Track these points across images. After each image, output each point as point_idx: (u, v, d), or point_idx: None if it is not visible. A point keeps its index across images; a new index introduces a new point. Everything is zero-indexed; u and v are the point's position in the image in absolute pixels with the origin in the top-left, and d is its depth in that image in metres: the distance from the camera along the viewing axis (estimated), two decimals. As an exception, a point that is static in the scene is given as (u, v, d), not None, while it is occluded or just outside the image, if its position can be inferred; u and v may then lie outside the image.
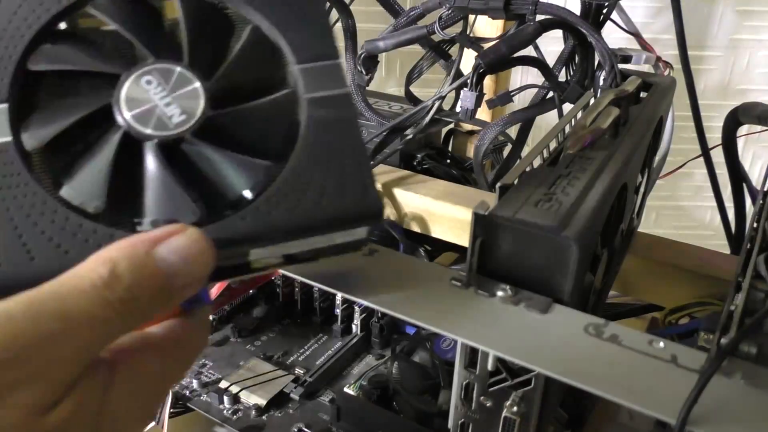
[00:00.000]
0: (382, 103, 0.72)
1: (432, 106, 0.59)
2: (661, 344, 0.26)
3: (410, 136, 0.61)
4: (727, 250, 0.65)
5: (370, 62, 0.62)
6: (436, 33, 0.56)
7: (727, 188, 0.65)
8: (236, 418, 0.48)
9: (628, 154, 0.40)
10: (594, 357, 0.26)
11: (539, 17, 0.54)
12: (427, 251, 0.67)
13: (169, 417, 0.48)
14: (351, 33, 0.64)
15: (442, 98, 0.58)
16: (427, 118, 0.59)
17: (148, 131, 0.24)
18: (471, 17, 0.60)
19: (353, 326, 0.57)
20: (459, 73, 0.61)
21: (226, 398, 0.49)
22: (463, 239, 0.60)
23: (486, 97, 0.55)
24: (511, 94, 0.58)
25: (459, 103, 0.56)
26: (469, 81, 0.54)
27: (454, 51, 0.63)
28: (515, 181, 0.34)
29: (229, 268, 0.25)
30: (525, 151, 0.53)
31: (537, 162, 0.38)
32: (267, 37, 0.27)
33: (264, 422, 0.48)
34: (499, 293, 0.29)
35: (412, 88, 0.65)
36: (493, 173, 0.67)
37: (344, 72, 0.27)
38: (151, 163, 0.24)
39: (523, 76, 1.17)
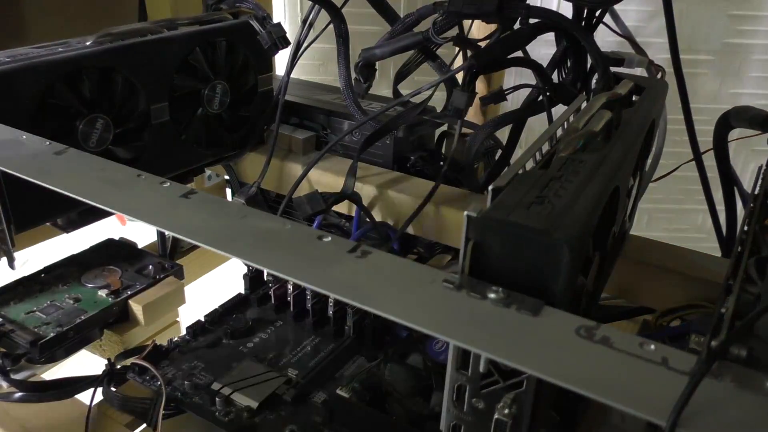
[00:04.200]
0: (375, 105, 0.72)
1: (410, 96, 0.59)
2: (652, 347, 0.26)
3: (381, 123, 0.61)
4: (718, 253, 0.65)
5: (368, 71, 0.62)
6: (432, 39, 0.57)
7: (719, 191, 0.65)
8: (228, 420, 0.48)
9: (620, 157, 0.40)
10: (585, 359, 0.26)
11: (532, 20, 0.54)
12: (420, 253, 0.67)
13: (162, 419, 0.47)
14: (343, 38, 0.64)
15: (419, 92, 0.58)
16: (407, 115, 0.59)
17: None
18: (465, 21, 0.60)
19: (346, 328, 0.57)
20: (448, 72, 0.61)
21: (218, 400, 0.48)
22: (455, 241, 0.60)
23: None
24: (505, 92, 0.58)
25: (450, 103, 0.57)
26: (461, 81, 0.55)
27: (441, 52, 0.63)
28: (508, 184, 0.34)
29: None
30: (517, 154, 0.54)
31: (529, 164, 0.38)
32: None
33: (256, 424, 0.47)
34: (491, 295, 0.29)
35: (401, 89, 0.65)
36: (485, 176, 0.67)
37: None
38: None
39: (516, 80, 1.18)
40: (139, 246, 0.70)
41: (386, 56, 0.59)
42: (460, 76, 0.58)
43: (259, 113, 0.71)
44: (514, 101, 0.64)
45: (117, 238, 0.70)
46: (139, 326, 0.60)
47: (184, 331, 0.57)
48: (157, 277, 0.63)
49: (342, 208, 0.64)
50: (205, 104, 0.65)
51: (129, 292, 0.60)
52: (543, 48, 0.64)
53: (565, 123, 0.44)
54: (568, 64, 0.58)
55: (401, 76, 0.63)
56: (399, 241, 0.62)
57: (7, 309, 0.57)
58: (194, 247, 0.82)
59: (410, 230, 0.63)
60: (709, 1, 1.21)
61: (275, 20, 0.65)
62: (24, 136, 0.43)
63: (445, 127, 0.75)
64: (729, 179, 0.64)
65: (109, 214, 0.57)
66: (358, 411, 0.47)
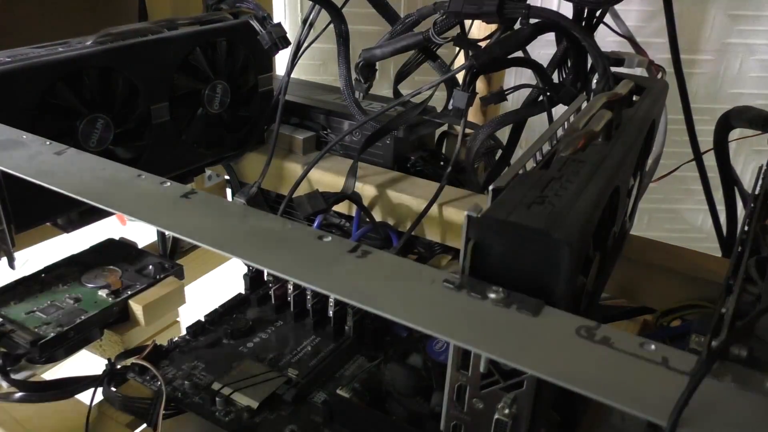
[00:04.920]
0: (375, 105, 0.72)
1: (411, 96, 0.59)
2: (653, 347, 0.26)
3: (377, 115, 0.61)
4: (718, 253, 0.65)
5: (368, 71, 0.62)
6: (432, 39, 0.57)
7: (719, 191, 0.65)
8: (228, 420, 0.48)
9: (621, 158, 0.40)
10: (585, 359, 0.26)
11: (532, 20, 0.54)
12: (420, 253, 0.67)
13: (162, 419, 0.47)
14: (343, 38, 0.64)
15: (419, 92, 0.58)
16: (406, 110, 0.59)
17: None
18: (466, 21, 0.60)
19: (346, 328, 0.57)
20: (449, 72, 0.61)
21: (218, 400, 0.48)
22: (455, 241, 0.60)
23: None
24: (506, 92, 0.58)
25: (450, 103, 0.57)
26: (461, 81, 0.55)
27: (442, 52, 0.63)
28: (508, 184, 0.34)
29: None
30: (518, 154, 0.54)
31: (530, 165, 0.38)
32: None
33: (256, 424, 0.47)
34: (492, 295, 0.29)
35: (402, 89, 0.65)
36: (485, 176, 0.67)
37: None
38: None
39: (516, 79, 1.18)
40: (139, 246, 0.70)
41: (387, 56, 0.59)
42: (460, 76, 0.58)
43: (259, 113, 0.71)
44: (514, 101, 0.64)
45: (117, 238, 0.70)
46: (139, 326, 0.60)
47: (184, 331, 0.57)
48: (158, 277, 0.63)
49: (342, 208, 0.64)
50: (205, 104, 0.65)
51: (129, 292, 0.60)
52: (543, 48, 0.64)
53: (566, 123, 0.44)
54: (569, 64, 0.58)
55: (401, 76, 0.63)
56: (399, 241, 0.62)
57: (7, 309, 0.57)
58: (194, 247, 0.82)
59: (410, 230, 0.63)
60: (709, 1, 1.21)
61: (275, 20, 0.65)
62: (24, 136, 0.43)
63: (445, 127, 0.75)
64: (729, 179, 0.64)
65: (109, 214, 0.57)
66: (358, 411, 0.47)
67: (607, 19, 0.61)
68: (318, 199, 0.58)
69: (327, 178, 0.66)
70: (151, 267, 0.64)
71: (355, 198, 0.61)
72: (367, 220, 0.62)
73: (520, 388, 0.32)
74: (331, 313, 0.57)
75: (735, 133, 0.62)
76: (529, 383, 0.32)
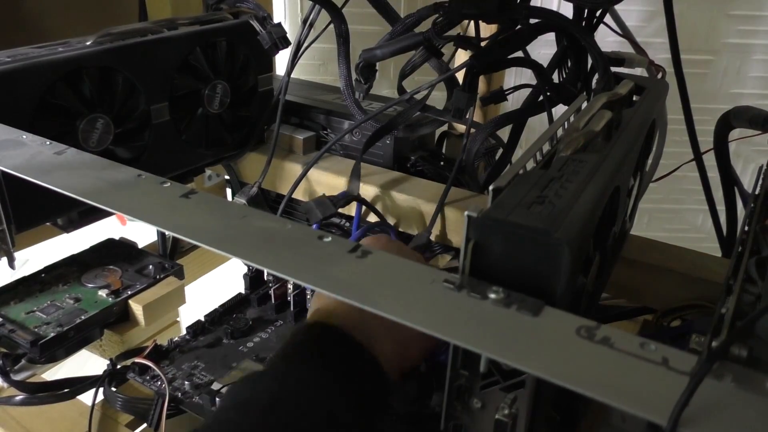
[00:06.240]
0: (375, 105, 0.72)
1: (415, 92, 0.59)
2: (653, 347, 0.26)
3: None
4: (718, 253, 0.65)
5: (369, 71, 0.62)
6: (432, 39, 0.56)
7: (719, 191, 0.65)
8: (228, 420, 0.48)
9: (621, 158, 0.40)
10: (586, 359, 0.26)
11: (532, 21, 0.54)
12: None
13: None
14: (344, 38, 0.64)
15: (419, 91, 0.58)
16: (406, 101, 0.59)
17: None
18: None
19: (346, 328, 0.57)
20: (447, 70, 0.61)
21: (218, 400, 0.48)
22: (456, 241, 0.60)
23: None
24: (506, 92, 0.58)
25: (450, 103, 0.57)
26: (462, 81, 0.55)
27: (445, 50, 0.63)
28: (508, 184, 0.34)
29: None
30: (518, 154, 0.54)
31: (530, 165, 0.38)
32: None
33: (256, 424, 0.47)
34: (492, 295, 0.29)
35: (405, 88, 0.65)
36: (485, 175, 0.67)
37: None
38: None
39: (516, 79, 1.18)
40: (139, 246, 0.70)
41: (387, 57, 0.59)
42: (460, 76, 0.58)
43: (259, 113, 0.71)
44: (514, 101, 0.64)
45: (117, 238, 0.70)
46: (140, 326, 0.60)
47: (184, 331, 0.57)
48: (158, 277, 0.63)
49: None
50: (205, 104, 0.65)
51: (129, 292, 0.60)
52: (543, 48, 0.64)
53: (566, 123, 0.44)
54: (569, 65, 0.58)
55: (405, 74, 0.63)
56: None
57: (7, 309, 0.57)
58: (194, 247, 0.82)
59: (411, 230, 0.63)
60: (709, 1, 1.21)
61: (275, 20, 0.65)
62: (24, 136, 0.43)
63: (445, 127, 0.75)
64: (729, 179, 0.64)
65: (109, 214, 0.57)
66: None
67: (607, 19, 0.60)
68: (326, 204, 0.58)
69: (327, 177, 0.66)
70: (151, 267, 0.64)
71: (362, 199, 0.61)
72: (368, 220, 0.62)
73: (520, 388, 0.32)
74: (331, 313, 0.57)
75: (735, 133, 0.62)
76: (529, 383, 0.32)
